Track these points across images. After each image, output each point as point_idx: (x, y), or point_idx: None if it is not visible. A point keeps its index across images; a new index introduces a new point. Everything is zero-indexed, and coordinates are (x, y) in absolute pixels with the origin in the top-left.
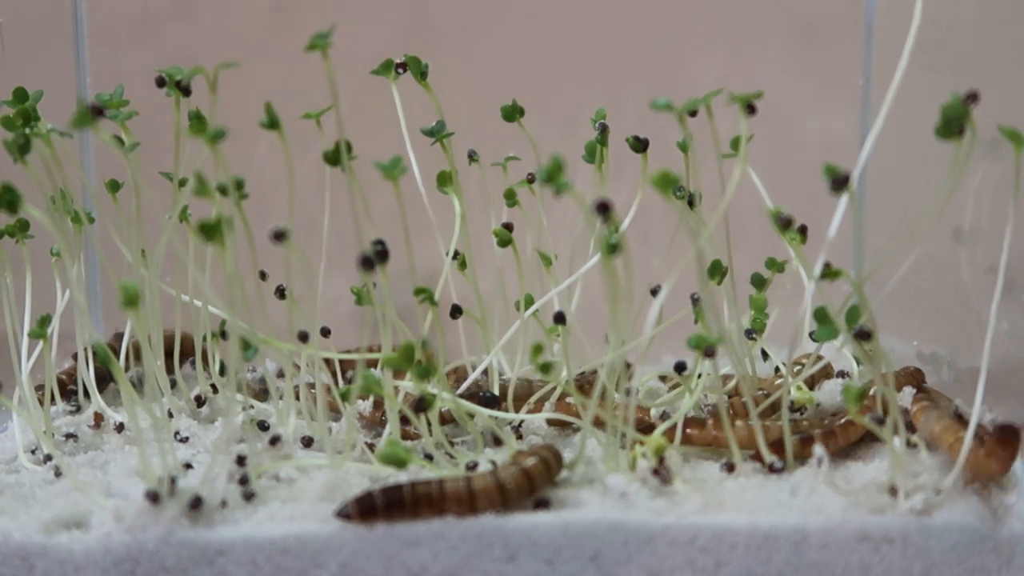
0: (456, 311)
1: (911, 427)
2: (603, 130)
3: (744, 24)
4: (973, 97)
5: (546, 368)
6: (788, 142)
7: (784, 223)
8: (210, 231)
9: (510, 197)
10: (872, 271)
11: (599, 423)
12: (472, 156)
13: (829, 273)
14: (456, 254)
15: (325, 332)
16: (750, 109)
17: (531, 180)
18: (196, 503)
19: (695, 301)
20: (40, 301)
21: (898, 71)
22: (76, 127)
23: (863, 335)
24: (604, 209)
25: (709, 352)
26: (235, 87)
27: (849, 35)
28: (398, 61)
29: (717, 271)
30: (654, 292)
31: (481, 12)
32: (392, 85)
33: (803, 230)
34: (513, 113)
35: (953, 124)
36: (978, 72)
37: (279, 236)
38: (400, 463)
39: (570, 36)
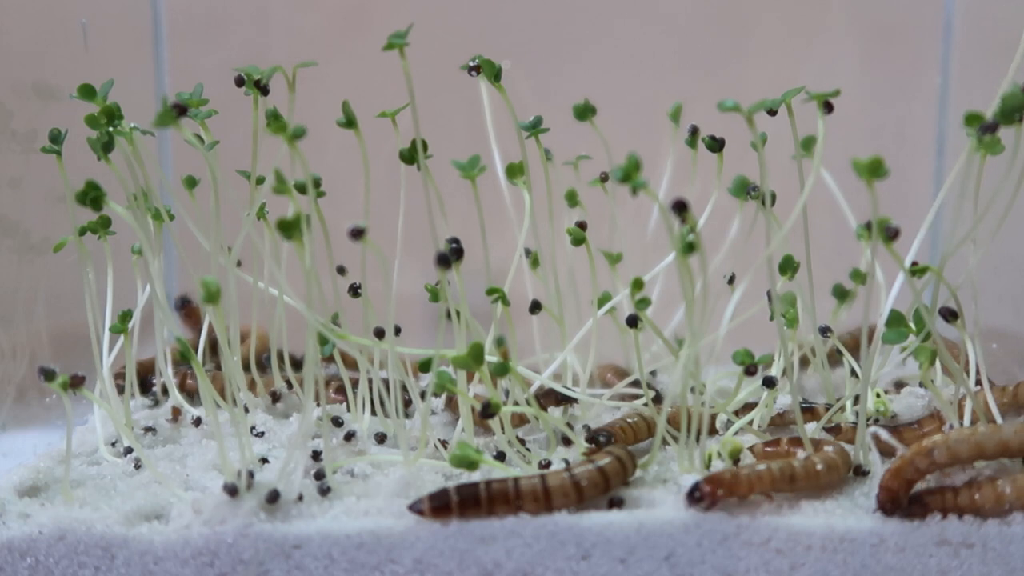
0: (536, 306)
1: None
2: (693, 132)
3: (820, 23)
4: None
5: (643, 303)
6: (863, 141)
7: (892, 234)
8: (288, 228)
9: (571, 199)
10: (944, 259)
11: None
12: (547, 155)
13: (917, 270)
14: (528, 252)
15: (396, 330)
16: (827, 107)
17: (604, 179)
18: (273, 497)
19: (770, 298)
20: (120, 297)
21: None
22: (159, 125)
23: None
24: (681, 208)
25: (751, 371)
26: (305, 87)
27: (927, 34)
28: (471, 64)
29: (789, 267)
30: (731, 281)
31: (550, 13)
32: (480, 82)
33: (869, 227)
34: (585, 112)
35: (1012, 112)
36: None
37: (357, 234)
38: (471, 466)
39: (643, 37)
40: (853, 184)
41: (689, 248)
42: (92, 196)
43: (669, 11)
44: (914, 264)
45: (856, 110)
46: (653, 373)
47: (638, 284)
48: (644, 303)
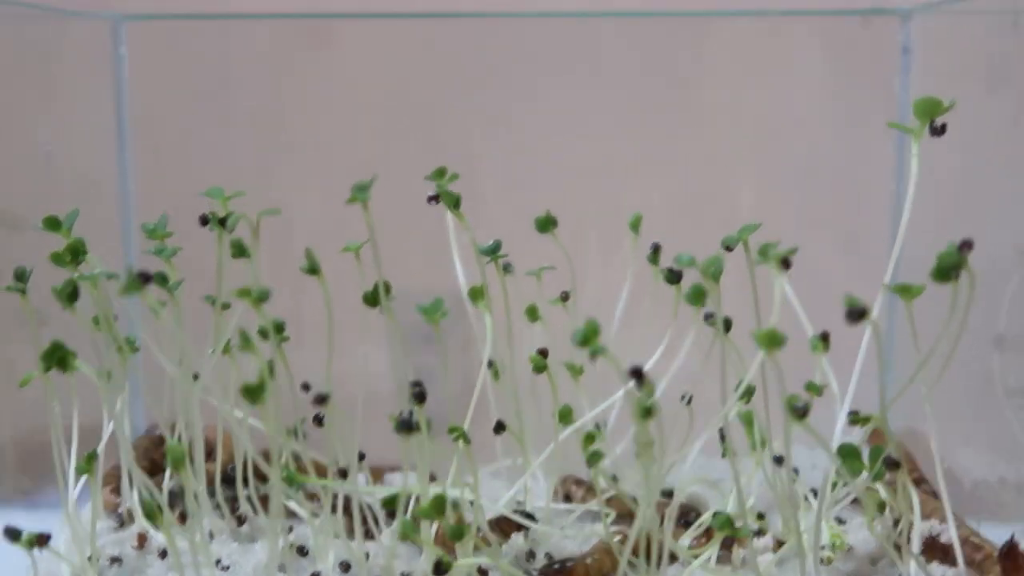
0: (500, 427)
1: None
2: (656, 250)
3: (778, 49)
4: (968, 245)
5: (595, 457)
6: (821, 169)
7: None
8: (253, 393)
9: (532, 314)
10: (901, 391)
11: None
12: (507, 268)
13: (857, 419)
14: (491, 364)
15: (361, 456)
16: (785, 264)
17: (565, 298)
18: None
19: (723, 437)
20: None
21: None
22: (126, 295)
23: (892, 464)
24: (638, 375)
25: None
26: (276, 101)
27: (885, 59)
28: (430, 194)
29: (749, 394)
30: (688, 402)
31: (503, 114)
32: (449, 212)
33: (825, 338)
34: (547, 224)
35: (948, 271)
36: None
37: (320, 400)
38: None
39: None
40: (810, 215)
41: (647, 414)
42: (59, 356)
43: (621, 73)
44: (854, 413)
45: (813, 137)
46: (614, 479)
47: (590, 438)
48: (596, 457)
